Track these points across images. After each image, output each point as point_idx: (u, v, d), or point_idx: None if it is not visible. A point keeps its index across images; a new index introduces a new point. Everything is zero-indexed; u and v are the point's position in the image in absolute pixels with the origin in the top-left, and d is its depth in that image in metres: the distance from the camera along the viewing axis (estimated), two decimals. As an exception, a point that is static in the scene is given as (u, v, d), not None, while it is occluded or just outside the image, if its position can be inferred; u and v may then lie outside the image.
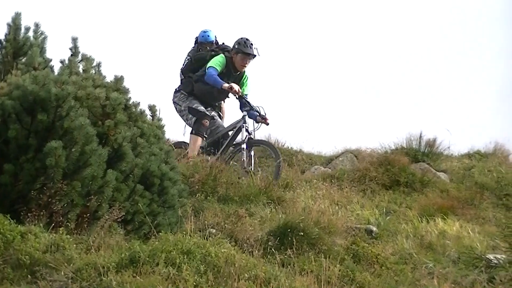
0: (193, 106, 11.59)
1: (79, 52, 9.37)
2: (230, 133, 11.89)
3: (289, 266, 7.92)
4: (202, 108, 11.64)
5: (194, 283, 6.43)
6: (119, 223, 8.20)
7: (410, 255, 9.55)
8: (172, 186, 9.06)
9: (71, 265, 6.77)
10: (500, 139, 18.66)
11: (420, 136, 16.34)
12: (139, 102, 9.19)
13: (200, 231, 8.96)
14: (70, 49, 9.33)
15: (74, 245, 7.19)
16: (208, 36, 13.99)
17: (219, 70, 11.12)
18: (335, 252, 8.69)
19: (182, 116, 12.11)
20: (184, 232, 8.13)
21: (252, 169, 11.20)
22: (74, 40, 9.25)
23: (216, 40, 14.18)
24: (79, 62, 9.29)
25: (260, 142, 11.88)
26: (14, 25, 8.60)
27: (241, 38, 11.32)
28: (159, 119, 9.74)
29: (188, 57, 12.15)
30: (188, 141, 12.96)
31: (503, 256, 8.58)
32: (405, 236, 10.49)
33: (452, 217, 12.09)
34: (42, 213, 7.65)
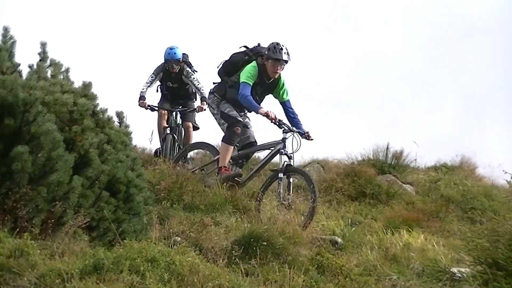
0: (225, 111, 10.93)
1: (48, 57, 9.32)
2: (266, 152, 11.18)
3: (253, 276, 8.03)
4: (234, 113, 10.97)
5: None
6: (84, 229, 8.19)
7: (375, 266, 9.65)
8: (138, 193, 9.11)
9: (35, 270, 6.72)
10: (467, 152, 18.99)
11: (387, 148, 16.72)
12: (106, 109, 9.17)
13: (165, 239, 9.00)
14: (39, 54, 9.26)
15: (38, 251, 7.10)
16: (175, 53, 14.27)
17: (251, 84, 10.36)
18: (300, 263, 8.77)
19: (216, 120, 11.54)
20: (149, 240, 8.21)
21: (290, 200, 10.17)
22: (43, 45, 9.13)
23: (185, 57, 14.60)
24: (47, 67, 9.26)
25: (298, 172, 10.91)
26: (-18, 30, 8.61)
27: (272, 42, 10.49)
28: (126, 126, 9.74)
29: (226, 59, 11.29)
30: (209, 143, 12.82)
31: (467, 269, 8.71)
32: (370, 248, 10.60)
33: (417, 229, 12.32)
34: (6, 218, 7.59)
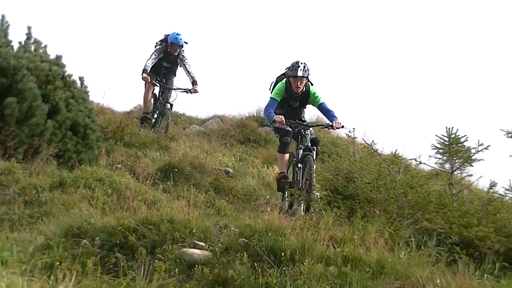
0: (276, 125, 9.03)
1: (32, 37, 9.63)
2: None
3: (169, 193, 8.59)
4: (284, 126, 8.94)
5: (103, 201, 6.80)
6: (54, 157, 8.80)
7: (254, 189, 10.28)
8: (92, 133, 9.63)
9: (18, 184, 7.29)
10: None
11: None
12: (72, 74, 9.65)
13: (110, 166, 9.48)
14: (26, 34, 9.63)
15: (21, 171, 7.65)
16: (180, 39, 12.92)
17: (278, 100, 8.95)
18: (202, 185, 9.43)
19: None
20: (99, 166, 8.76)
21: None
22: (29, 28, 9.62)
23: (184, 43, 13.09)
24: (31, 44, 9.59)
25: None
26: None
27: (293, 62, 9.04)
28: (86, 86, 10.07)
29: (273, 81, 9.61)
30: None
31: (317, 193, 8.74)
32: (252, 177, 11.24)
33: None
34: None
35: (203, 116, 16.84)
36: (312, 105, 9.31)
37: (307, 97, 9.13)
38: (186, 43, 13.19)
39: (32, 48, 9.53)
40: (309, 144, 8.75)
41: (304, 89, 9.06)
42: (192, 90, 13.12)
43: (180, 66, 13.38)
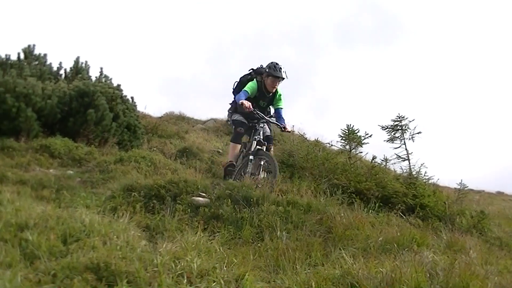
0: (236, 118, 6.99)
1: (103, 73, 9.92)
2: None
3: (184, 165, 7.83)
4: (241, 118, 6.99)
5: (145, 170, 6.76)
6: (116, 144, 8.92)
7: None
8: (139, 130, 9.52)
9: (95, 160, 7.55)
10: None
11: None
12: (126, 95, 9.77)
13: (149, 149, 9.27)
14: (99, 72, 9.85)
15: (97, 152, 7.90)
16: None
17: (250, 94, 6.72)
18: (204, 160, 9.01)
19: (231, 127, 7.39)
20: (142, 149, 8.73)
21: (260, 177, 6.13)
22: (101, 68, 9.86)
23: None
24: (102, 78, 9.84)
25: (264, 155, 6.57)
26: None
27: (271, 62, 6.83)
28: (134, 102, 10.12)
29: (237, 81, 7.21)
30: None
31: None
32: None
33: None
34: (84, 138, 8.55)
35: (204, 119, 15.41)
36: (272, 105, 7.18)
37: (273, 98, 7.07)
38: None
39: (103, 80, 9.74)
40: (261, 138, 6.62)
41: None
42: None
43: None
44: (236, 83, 7.21)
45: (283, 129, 6.93)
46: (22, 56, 9.73)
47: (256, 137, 6.61)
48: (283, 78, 6.80)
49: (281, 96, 7.07)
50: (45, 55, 10.05)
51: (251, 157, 6.37)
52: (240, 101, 6.48)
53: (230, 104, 7.16)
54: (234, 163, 6.70)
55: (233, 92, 7.16)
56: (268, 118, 6.88)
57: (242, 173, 6.35)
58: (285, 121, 7.04)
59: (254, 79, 6.92)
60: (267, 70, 6.80)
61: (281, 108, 7.06)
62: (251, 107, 6.53)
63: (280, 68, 6.76)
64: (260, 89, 6.89)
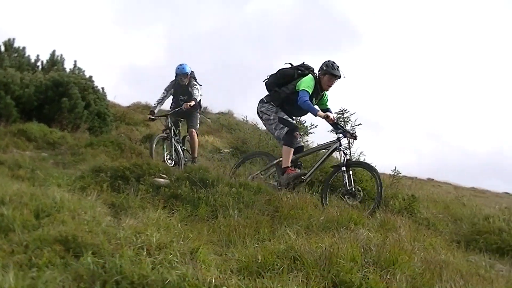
0: (284, 117, 5.81)
1: (77, 65, 9.87)
2: (323, 151, 5.99)
3: (147, 149, 7.42)
4: (292, 119, 5.97)
5: (113, 153, 6.76)
6: (87, 130, 8.79)
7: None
8: (108, 117, 9.43)
9: (67, 144, 7.41)
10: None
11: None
12: (97, 86, 9.62)
13: (117, 135, 9.07)
14: (73, 64, 9.80)
15: (70, 137, 7.75)
16: (184, 68, 7.51)
17: (310, 93, 5.67)
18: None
19: (269, 125, 5.94)
20: (111, 135, 8.70)
21: (353, 189, 5.37)
22: (75, 61, 9.83)
23: (191, 72, 7.71)
24: (76, 69, 9.77)
25: (359, 164, 6.04)
26: None
27: (328, 60, 5.78)
28: (105, 92, 9.95)
29: (274, 73, 5.99)
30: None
31: (227, 150, 8.89)
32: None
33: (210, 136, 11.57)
34: (57, 124, 8.44)
35: (168, 109, 12.43)
36: (320, 105, 6.03)
37: (322, 97, 6.02)
38: (192, 71, 7.83)
39: (77, 72, 9.74)
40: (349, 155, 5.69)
41: None
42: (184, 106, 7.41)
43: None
44: (273, 75, 6.02)
45: (353, 138, 5.85)
46: (2, 48, 9.88)
47: (341, 148, 5.65)
48: (340, 77, 5.82)
49: (327, 96, 6.05)
50: (24, 48, 10.14)
51: (343, 168, 5.50)
52: (317, 112, 5.65)
53: (267, 95, 6.02)
54: (291, 167, 5.69)
55: (266, 83, 6.03)
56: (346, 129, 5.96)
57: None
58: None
59: (310, 75, 5.83)
60: (324, 68, 5.79)
61: (329, 108, 6.04)
62: (335, 118, 5.82)
63: (338, 66, 5.81)
64: (316, 86, 5.81)
